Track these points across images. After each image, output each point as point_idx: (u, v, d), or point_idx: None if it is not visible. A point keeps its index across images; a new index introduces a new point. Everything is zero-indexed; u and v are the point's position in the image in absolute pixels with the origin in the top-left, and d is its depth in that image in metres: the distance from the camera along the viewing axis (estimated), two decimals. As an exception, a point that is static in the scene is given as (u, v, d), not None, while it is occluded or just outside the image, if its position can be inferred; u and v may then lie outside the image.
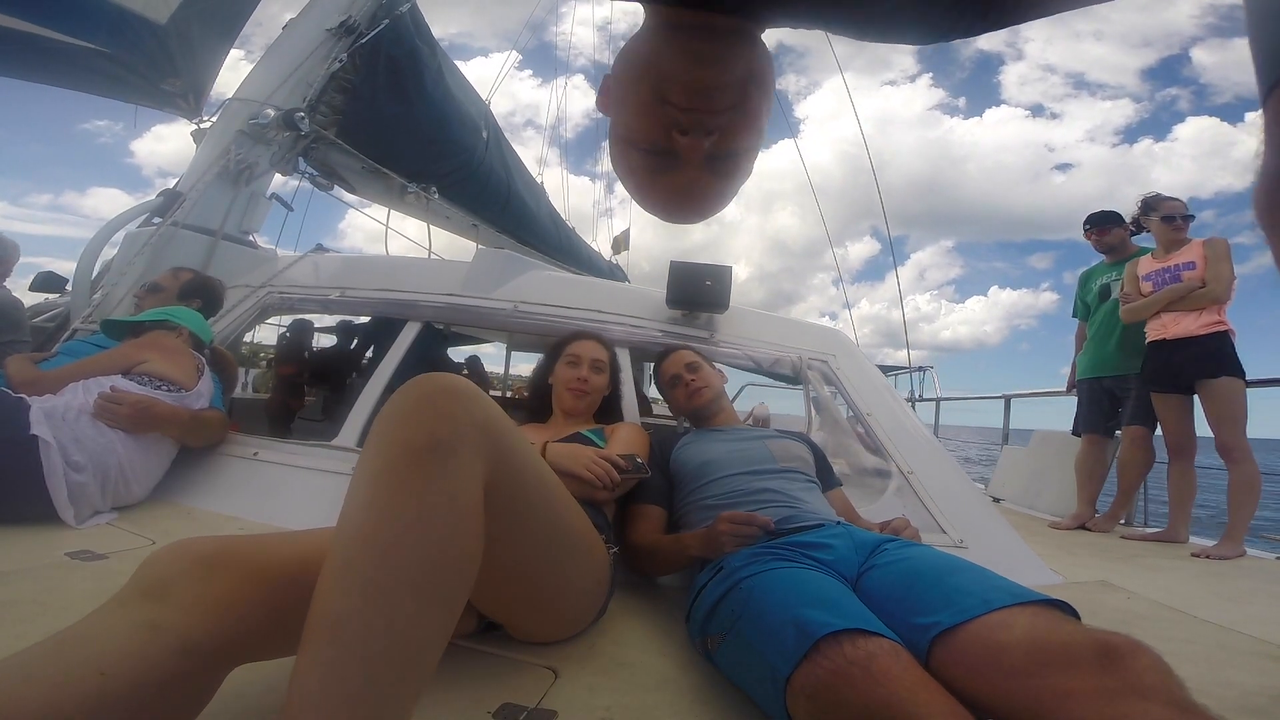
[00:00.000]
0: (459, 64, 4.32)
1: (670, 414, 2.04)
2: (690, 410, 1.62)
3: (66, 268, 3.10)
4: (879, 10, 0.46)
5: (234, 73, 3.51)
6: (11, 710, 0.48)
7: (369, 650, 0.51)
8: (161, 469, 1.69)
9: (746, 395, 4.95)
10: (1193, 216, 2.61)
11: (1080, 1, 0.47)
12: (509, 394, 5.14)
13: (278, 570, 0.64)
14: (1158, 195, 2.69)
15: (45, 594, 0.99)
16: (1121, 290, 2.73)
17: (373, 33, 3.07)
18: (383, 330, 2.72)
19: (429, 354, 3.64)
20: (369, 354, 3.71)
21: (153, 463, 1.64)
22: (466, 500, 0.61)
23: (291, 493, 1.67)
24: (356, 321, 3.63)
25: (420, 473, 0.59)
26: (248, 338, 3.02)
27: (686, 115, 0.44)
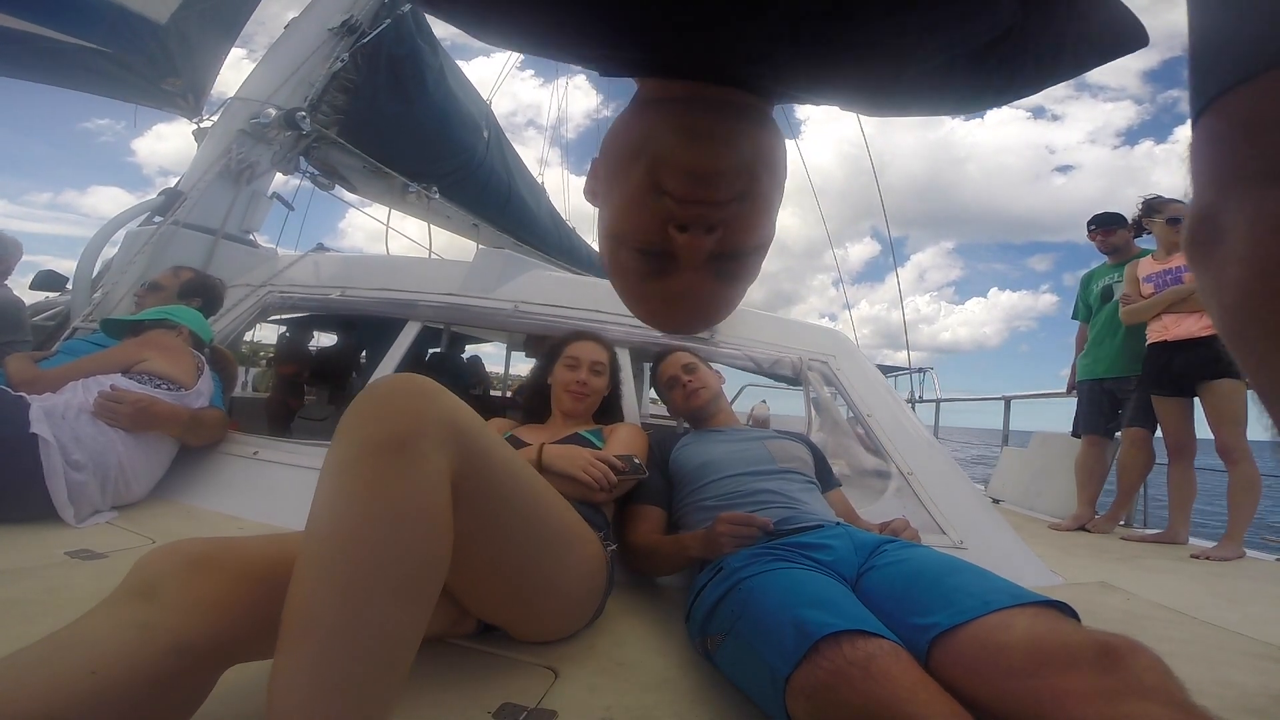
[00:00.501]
0: (460, 64, 4.33)
1: (669, 414, 2.04)
2: (688, 411, 1.62)
3: (66, 266, 3.11)
4: (901, 88, 0.41)
5: (236, 71, 3.51)
6: (3, 711, 0.49)
7: (343, 646, 0.52)
8: (161, 468, 1.69)
9: (747, 395, 4.95)
10: None
11: (1092, 65, 0.45)
12: (509, 394, 5.15)
13: (269, 570, 0.64)
14: (1159, 197, 2.69)
15: (45, 593, 0.99)
16: (1123, 292, 2.73)
17: (374, 32, 3.07)
18: (378, 328, 2.72)
19: (439, 358, 3.65)
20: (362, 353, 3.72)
21: (153, 461, 1.64)
22: (432, 495, 0.61)
23: (291, 492, 1.66)
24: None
25: (383, 469, 0.59)
26: (248, 336, 3.02)
27: (685, 207, 0.38)
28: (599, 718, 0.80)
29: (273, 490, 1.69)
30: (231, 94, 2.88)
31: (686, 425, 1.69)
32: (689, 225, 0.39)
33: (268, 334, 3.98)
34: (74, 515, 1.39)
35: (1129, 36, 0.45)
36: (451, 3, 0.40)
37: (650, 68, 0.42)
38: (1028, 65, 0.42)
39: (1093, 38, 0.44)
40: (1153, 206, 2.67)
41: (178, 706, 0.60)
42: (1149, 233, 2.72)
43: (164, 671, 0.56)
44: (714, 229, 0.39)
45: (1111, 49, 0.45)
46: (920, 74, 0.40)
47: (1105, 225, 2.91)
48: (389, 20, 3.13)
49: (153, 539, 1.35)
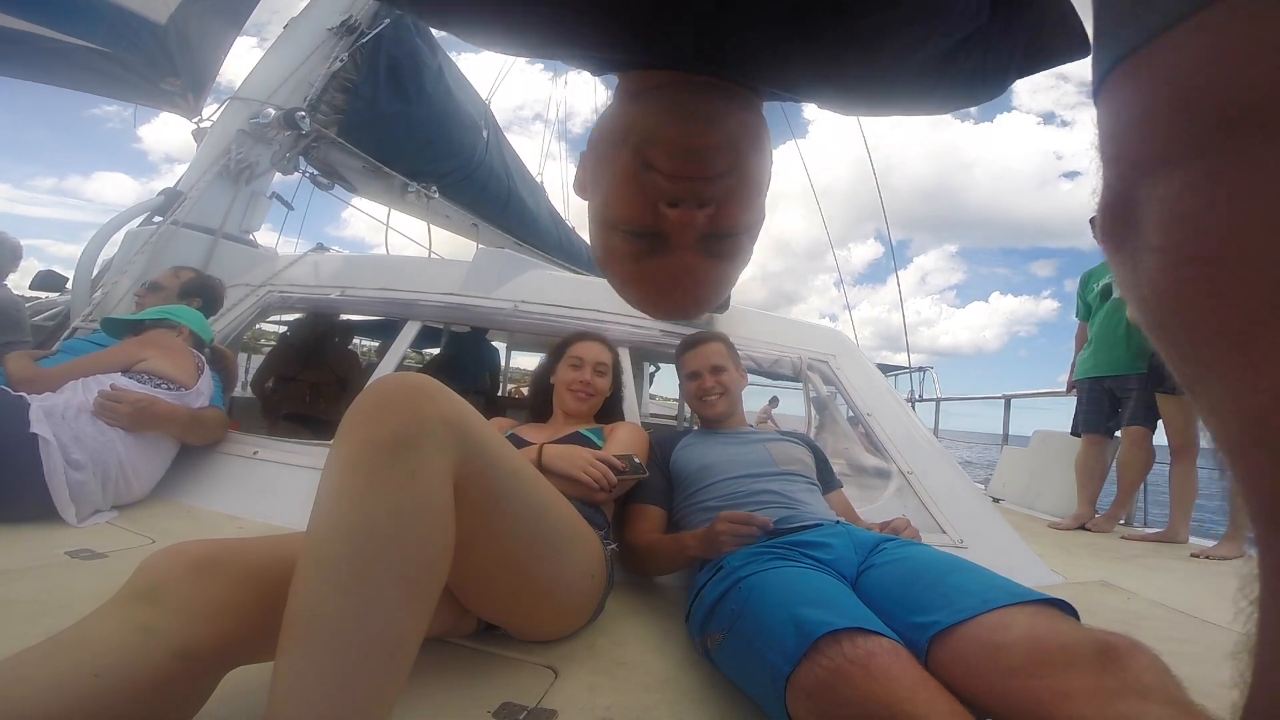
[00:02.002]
0: (461, 58, 4.32)
1: (670, 413, 2.03)
2: (697, 409, 1.61)
3: (69, 251, 3.11)
4: (875, 86, 0.43)
5: (246, 61, 3.51)
6: (6, 713, 0.49)
7: (345, 644, 0.52)
8: (162, 467, 1.69)
9: (751, 394, 4.99)
10: None
11: (1038, 69, 0.47)
12: (508, 393, 5.15)
13: (271, 572, 0.64)
14: None
15: (45, 593, 0.99)
16: None
17: (374, 32, 3.07)
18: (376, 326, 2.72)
19: (469, 357, 3.64)
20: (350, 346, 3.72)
21: (153, 461, 1.64)
22: (434, 492, 0.62)
23: (292, 492, 1.67)
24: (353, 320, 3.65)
25: (385, 467, 0.59)
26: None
27: (675, 183, 0.38)
28: (599, 718, 0.80)
29: (273, 490, 1.69)
30: (237, 87, 2.89)
31: (688, 424, 1.68)
32: (680, 200, 0.39)
33: (272, 326, 3.99)
34: (74, 515, 1.38)
35: (1074, 45, 0.45)
36: (444, 10, 0.40)
37: (636, 65, 0.43)
38: (990, 66, 0.43)
39: (1043, 42, 0.45)
40: None
41: (179, 709, 0.60)
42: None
43: (166, 675, 0.56)
44: (705, 204, 0.39)
45: (1057, 54, 0.46)
46: (896, 75, 0.41)
47: None
48: (388, 20, 3.13)
49: (153, 539, 1.35)
